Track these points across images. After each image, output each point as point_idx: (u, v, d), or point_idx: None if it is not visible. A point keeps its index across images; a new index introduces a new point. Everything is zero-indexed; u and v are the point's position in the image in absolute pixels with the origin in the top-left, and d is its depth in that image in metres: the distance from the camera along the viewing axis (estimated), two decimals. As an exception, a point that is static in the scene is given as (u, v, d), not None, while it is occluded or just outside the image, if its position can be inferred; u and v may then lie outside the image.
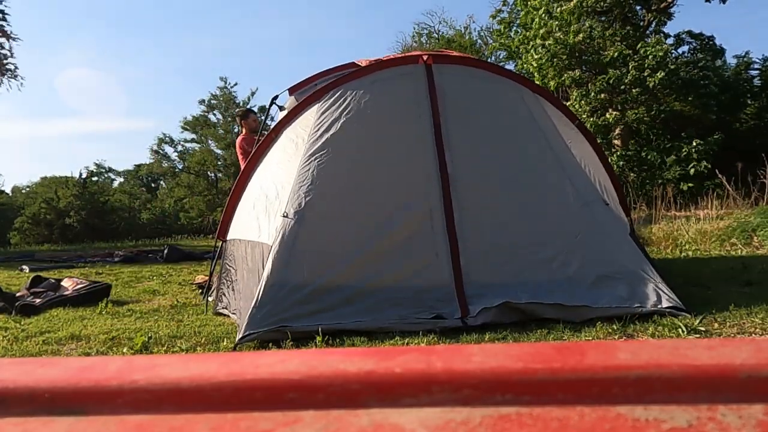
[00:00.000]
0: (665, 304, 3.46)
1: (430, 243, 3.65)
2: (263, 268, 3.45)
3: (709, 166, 12.37)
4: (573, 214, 3.84)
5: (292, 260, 3.44)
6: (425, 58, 4.07)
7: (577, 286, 3.58)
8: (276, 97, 5.02)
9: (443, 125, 3.88)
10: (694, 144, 12.96)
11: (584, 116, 13.56)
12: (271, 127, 4.56)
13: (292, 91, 4.75)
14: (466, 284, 3.55)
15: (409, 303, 3.47)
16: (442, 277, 3.57)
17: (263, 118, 6.25)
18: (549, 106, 4.39)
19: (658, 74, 12.81)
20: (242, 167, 4.89)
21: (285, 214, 3.53)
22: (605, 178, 4.39)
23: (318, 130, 3.83)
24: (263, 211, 3.93)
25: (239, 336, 3.20)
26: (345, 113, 3.86)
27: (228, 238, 4.57)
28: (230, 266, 4.31)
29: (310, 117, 3.98)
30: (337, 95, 3.95)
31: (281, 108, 5.01)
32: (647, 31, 14.95)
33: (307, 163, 3.72)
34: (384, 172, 3.78)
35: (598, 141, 5.72)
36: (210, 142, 31.45)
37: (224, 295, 4.22)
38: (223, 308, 4.15)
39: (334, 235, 3.56)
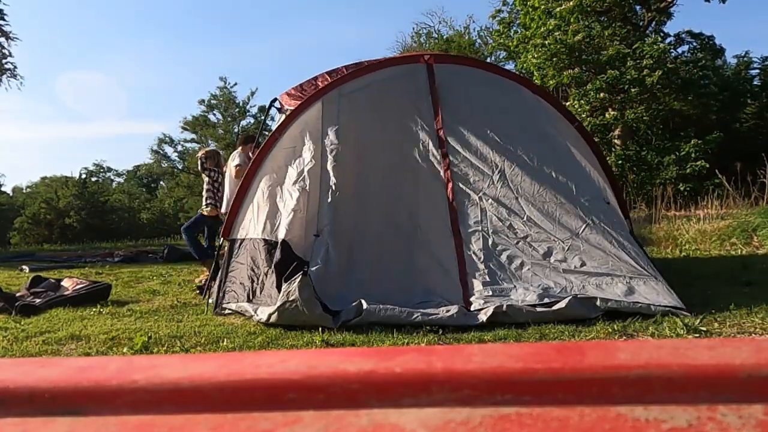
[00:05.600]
0: (666, 303, 3.46)
1: (434, 238, 3.73)
2: (278, 263, 3.61)
3: (707, 165, 12.36)
4: (574, 213, 3.87)
5: (307, 252, 3.62)
6: (427, 57, 4.14)
7: (577, 284, 3.60)
8: (275, 100, 5.04)
9: (445, 124, 3.95)
10: (693, 143, 12.96)
11: (583, 116, 13.56)
12: (275, 127, 4.61)
13: (293, 91, 4.78)
14: (469, 274, 3.66)
15: (418, 291, 3.62)
16: (447, 269, 3.67)
17: (262, 118, 6.28)
18: (549, 107, 4.43)
19: (656, 73, 12.80)
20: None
21: (294, 210, 3.65)
22: (604, 179, 4.43)
23: (321, 128, 3.91)
24: (272, 209, 4.01)
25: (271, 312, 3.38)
26: (347, 112, 3.93)
27: (235, 237, 4.62)
28: (240, 264, 4.34)
29: (312, 116, 4.04)
30: (339, 94, 4.01)
31: (280, 110, 5.04)
32: (647, 31, 14.95)
33: (311, 160, 3.82)
34: (386, 168, 3.87)
35: (597, 141, 5.74)
36: (210, 142, 31.41)
37: (234, 291, 4.24)
38: (227, 303, 4.16)
39: (343, 227, 3.72)
